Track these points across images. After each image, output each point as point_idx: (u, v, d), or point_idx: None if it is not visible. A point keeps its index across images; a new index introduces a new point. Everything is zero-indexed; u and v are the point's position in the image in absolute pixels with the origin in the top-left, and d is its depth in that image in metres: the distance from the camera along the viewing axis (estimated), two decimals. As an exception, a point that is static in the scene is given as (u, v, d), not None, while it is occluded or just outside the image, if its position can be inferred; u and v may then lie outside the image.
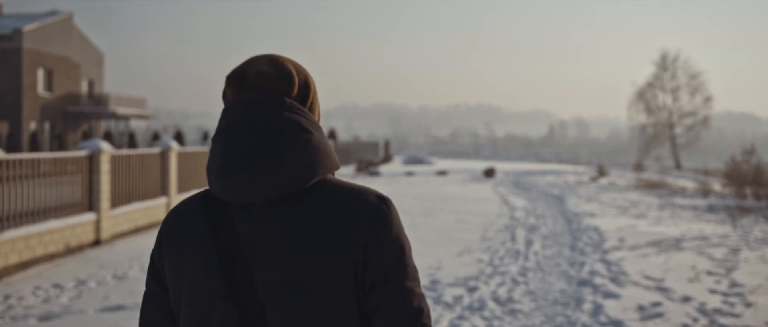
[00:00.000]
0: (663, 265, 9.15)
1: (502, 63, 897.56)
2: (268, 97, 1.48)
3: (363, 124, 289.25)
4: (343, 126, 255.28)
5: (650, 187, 26.06)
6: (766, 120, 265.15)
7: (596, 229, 12.70)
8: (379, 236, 1.44)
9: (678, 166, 59.66)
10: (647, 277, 8.34)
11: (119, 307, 6.93)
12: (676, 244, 11.04)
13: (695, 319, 6.49)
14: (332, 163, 1.50)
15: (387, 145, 56.47)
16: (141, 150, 13.04)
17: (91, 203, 10.78)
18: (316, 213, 1.43)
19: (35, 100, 40.44)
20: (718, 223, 13.96)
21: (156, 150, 13.45)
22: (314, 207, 1.43)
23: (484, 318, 6.49)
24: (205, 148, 16.41)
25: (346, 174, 32.90)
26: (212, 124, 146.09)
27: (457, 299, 7.17)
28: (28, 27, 39.46)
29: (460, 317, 6.49)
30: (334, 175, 1.54)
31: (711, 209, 17.15)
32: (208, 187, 1.56)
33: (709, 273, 8.66)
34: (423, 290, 5.35)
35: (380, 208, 1.47)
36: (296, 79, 1.54)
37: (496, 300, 7.19)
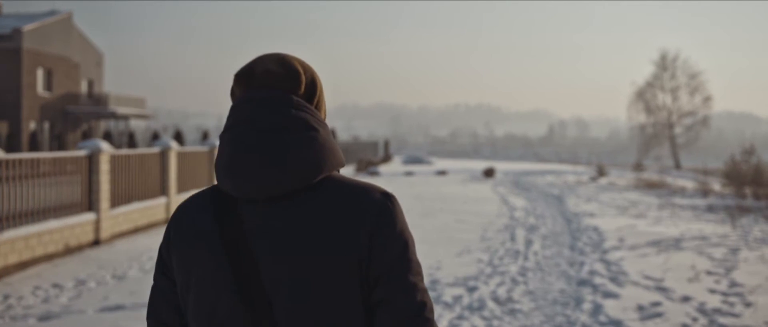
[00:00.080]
0: (662, 265, 9.15)
1: (501, 63, 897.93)
2: (275, 95, 1.51)
3: (362, 124, 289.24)
4: (343, 126, 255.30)
5: (650, 186, 26.06)
6: (765, 120, 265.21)
7: (596, 229, 12.70)
8: (383, 232, 1.47)
9: (677, 165, 59.67)
10: (647, 277, 8.34)
11: (119, 307, 6.93)
12: (676, 243, 11.05)
13: (695, 319, 6.49)
14: (338, 160, 1.54)
15: (386, 144, 56.47)
16: (140, 150, 13.04)
17: (90, 203, 10.78)
18: (322, 209, 1.45)
19: (35, 100, 40.43)
20: (718, 223, 13.96)
21: (155, 150, 13.45)
22: (320, 203, 1.46)
23: (484, 318, 6.49)
24: (205, 148, 16.41)
25: (345, 173, 32.89)
26: (211, 123, 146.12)
27: (457, 299, 7.17)
28: (27, 27, 39.43)
29: (460, 317, 6.49)
30: (339, 172, 1.57)
31: (710, 209, 17.16)
32: (213, 184, 1.59)
33: (709, 273, 8.66)
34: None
35: (385, 205, 1.50)
36: (303, 77, 1.57)
37: (496, 300, 7.19)
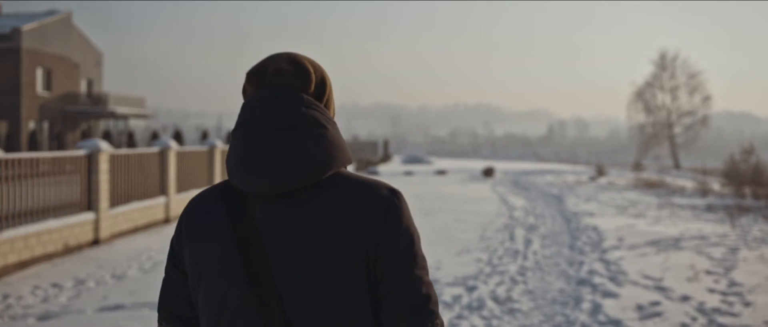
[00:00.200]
0: (662, 265, 9.16)
1: (501, 63, 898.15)
2: (286, 93, 1.56)
3: (362, 124, 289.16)
4: (343, 125, 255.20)
5: (649, 186, 26.08)
6: (765, 119, 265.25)
7: (595, 229, 12.70)
8: (390, 227, 1.51)
9: (677, 165, 59.70)
10: (646, 277, 8.34)
11: (118, 307, 6.93)
12: (675, 243, 11.05)
13: (694, 319, 6.49)
14: (346, 157, 1.58)
15: (386, 144, 56.52)
16: (140, 149, 13.03)
17: (89, 203, 10.78)
18: (330, 204, 1.50)
19: (34, 100, 40.41)
20: (717, 223, 13.97)
21: (155, 149, 13.44)
22: (329, 198, 1.50)
23: (483, 317, 6.49)
24: (204, 148, 16.41)
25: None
26: (211, 123, 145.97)
27: (456, 298, 7.17)
28: (27, 26, 39.41)
29: (459, 316, 6.49)
30: (347, 168, 1.61)
31: (710, 209, 17.16)
32: (224, 180, 1.63)
33: (708, 272, 8.67)
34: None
35: (391, 201, 1.54)
36: (313, 76, 1.61)
37: (495, 299, 7.19)
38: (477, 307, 6.84)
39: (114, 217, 11.42)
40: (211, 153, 16.50)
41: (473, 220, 14.23)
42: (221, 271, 1.51)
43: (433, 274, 8.44)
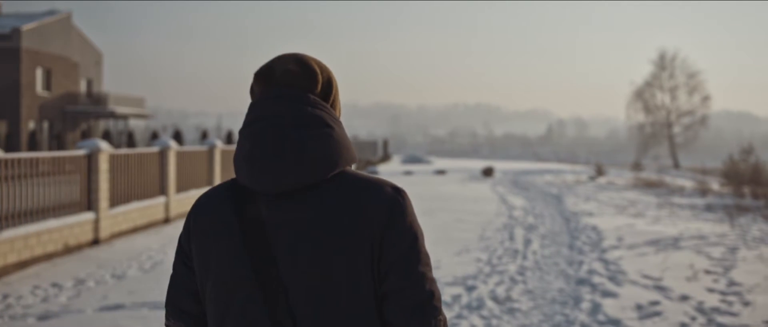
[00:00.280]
0: (661, 264, 9.17)
1: (500, 62, 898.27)
2: (293, 94, 1.59)
3: (361, 124, 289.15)
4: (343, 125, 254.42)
5: (648, 186, 26.09)
6: (764, 119, 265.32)
7: (594, 228, 12.71)
8: (394, 225, 1.55)
9: (676, 165, 59.72)
10: (645, 276, 8.35)
11: (118, 307, 6.94)
12: (675, 243, 11.06)
13: (693, 318, 6.50)
14: (351, 156, 1.61)
15: (386, 144, 56.52)
16: (140, 149, 13.04)
17: (89, 203, 10.78)
18: (336, 202, 1.53)
19: (34, 100, 40.41)
20: (716, 222, 13.98)
21: (155, 149, 13.45)
22: (335, 196, 1.54)
23: (483, 317, 6.50)
24: (204, 148, 16.41)
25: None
26: (211, 123, 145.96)
27: (456, 298, 7.18)
28: (26, 26, 39.41)
29: (459, 316, 6.50)
30: (352, 167, 1.65)
31: (709, 208, 17.17)
32: (232, 178, 1.67)
33: (707, 272, 8.68)
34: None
35: (396, 199, 1.57)
36: (320, 77, 1.65)
37: (495, 299, 7.20)
38: (476, 306, 6.85)
39: (114, 217, 11.43)
40: (210, 153, 16.50)
41: (473, 219, 14.24)
42: (228, 266, 1.55)
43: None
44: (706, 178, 27.69)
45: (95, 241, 10.76)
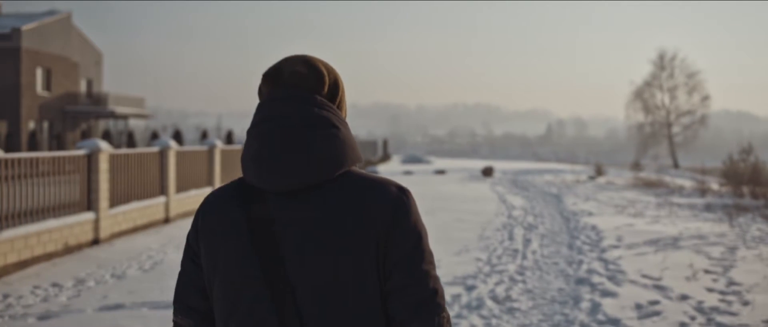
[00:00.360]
0: (660, 264, 9.17)
1: (500, 62, 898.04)
2: (300, 95, 1.62)
3: (361, 124, 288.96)
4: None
5: (648, 185, 26.09)
6: (763, 119, 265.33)
7: (594, 228, 12.71)
8: (399, 223, 1.58)
9: (675, 165, 59.70)
10: (645, 276, 8.36)
11: (118, 306, 6.95)
12: (674, 242, 11.07)
13: (693, 318, 6.51)
14: (356, 155, 1.64)
15: (385, 144, 56.56)
16: (139, 149, 13.04)
17: (89, 202, 10.79)
18: (342, 201, 1.56)
19: (34, 100, 40.41)
20: (716, 222, 13.99)
21: (154, 149, 13.45)
22: (341, 195, 1.57)
23: (482, 317, 6.51)
24: (204, 148, 16.42)
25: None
26: (211, 123, 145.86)
27: (455, 298, 7.19)
28: (26, 26, 39.41)
29: (458, 316, 6.51)
30: (357, 167, 1.68)
31: (708, 208, 17.18)
32: (239, 177, 1.70)
33: (707, 271, 8.68)
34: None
35: (400, 198, 1.60)
36: (327, 78, 1.68)
37: (494, 299, 7.21)
38: (476, 306, 6.86)
39: (114, 217, 11.44)
40: (210, 153, 16.51)
41: (472, 219, 14.25)
42: (236, 265, 1.57)
43: (432, 273, 8.45)
44: (706, 177, 27.70)
45: (95, 241, 10.76)
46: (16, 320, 6.47)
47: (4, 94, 38.82)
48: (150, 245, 10.85)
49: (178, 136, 39.51)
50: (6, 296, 7.43)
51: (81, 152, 10.68)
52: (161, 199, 13.39)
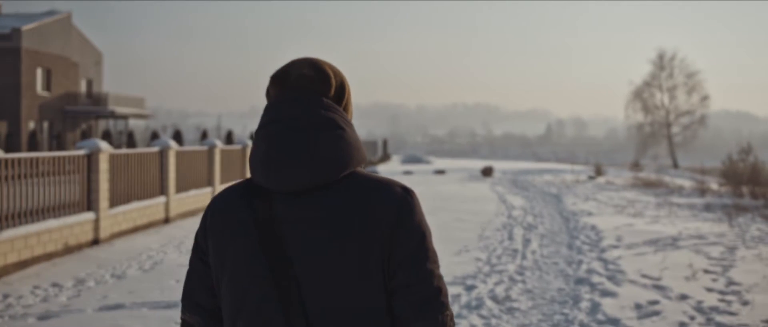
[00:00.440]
0: (660, 264, 9.18)
1: (499, 62, 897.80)
2: (307, 97, 1.66)
3: (361, 124, 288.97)
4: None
5: (647, 185, 26.11)
6: (763, 119, 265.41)
7: (593, 228, 12.72)
8: (403, 223, 1.61)
9: (675, 164, 59.74)
10: (644, 276, 8.37)
11: (118, 306, 6.95)
12: (673, 242, 11.08)
13: (692, 317, 6.52)
14: (362, 156, 1.68)
15: (385, 144, 56.55)
16: (139, 149, 13.04)
17: (89, 202, 10.79)
18: (348, 201, 1.59)
19: (34, 100, 40.42)
20: (715, 222, 14.00)
21: (154, 149, 13.46)
22: (346, 196, 1.60)
23: (482, 317, 6.51)
24: (204, 148, 16.42)
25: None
26: (211, 123, 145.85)
27: (455, 298, 7.20)
28: (26, 26, 39.43)
29: (458, 316, 6.51)
30: (363, 168, 1.71)
31: (708, 208, 17.19)
32: (247, 177, 1.74)
33: (706, 271, 8.69)
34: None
35: (405, 198, 1.64)
36: (333, 81, 1.71)
37: (494, 298, 7.22)
38: (476, 306, 6.87)
39: (114, 217, 11.44)
40: (210, 153, 16.51)
41: (472, 219, 14.25)
42: (244, 263, 1.61)
43: (432, 273, 8.45)
44: (705, 177, 27.72)
45: (95, 241, 10.77)
46: (16, 320, 6.47)
47: (4, 94, 38.83)
48: (150, 245, 10.85)
49: (178, 136, 39.54)
50: (6, 296, 7.44)
51: (81, 152, 10.68)
52: (161, 199, 13.40)
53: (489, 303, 6.99)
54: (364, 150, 1.70)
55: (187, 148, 15.67)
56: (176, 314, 6.58)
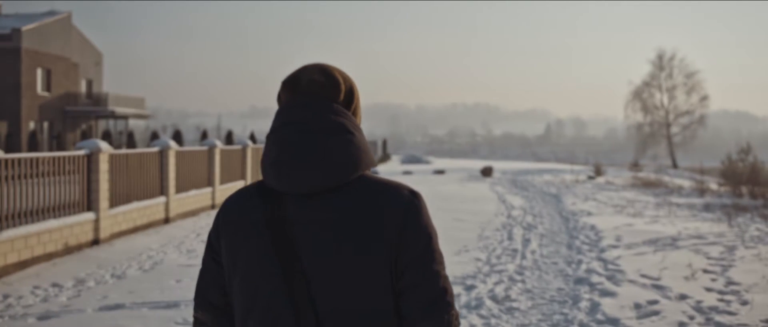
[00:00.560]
0: (659, 264, 9.19)
1: (499, 62, 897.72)
2: (317, 102, 1.71)
3: (361, 123, 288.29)
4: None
5: (647, 185, 26.12)
6: (762, 119, 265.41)
7: (593, 228, 12.73)
8: (411, 225, 1.66)
9: (674, 164, 59.71)
10: (644, 276, 8.38)
11: (118, 306, 6.96)
12: (673, 242, 11.09)
13: (691, 317, 6.52)
14: (370, 160, 1.72)
15: (385, 144, 56.51)
16: (139, 149, 13.04)
17: (89, 203, 10.80)
18: (357, 203, 1.64)
19: (34, 100, 40.41)
20: (715, 222, 14.01)
21: (154, 149, 13.46)
22: (355, 198, 1.65)
23: (482, 316, 6.52)
24: (204, 148, 16.43)
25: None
26: (211, 123, 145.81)
27: (455, 298, 7.20)
28: (26, 27, 39.42)
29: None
30: (371, 171, 1.75)
31: (707, 208, 17.21)
32: (259, 180, 1.77)
33: (706, 271, 8.70)
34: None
35: (412, 201, 1.68)
36: (343, 86, 1.77)
37: (494, 298, 7.23)
38: (475, 306, 6.88)
39: (114, 217, 11.45)
40: (210, 153, 16.52)
41: (472, 219, 14.26)
42: (256, 263, 1.66)
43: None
44: (705, 177, 27.72)
45: (95, 241, 10.78)
46: (16, 320, 6.48)
47: (4, 95, 38.83)
48: (150, 245, 10.86)
49: (178, 136, 39.52)
50: (6, 296, 7.45)
51: (81, 152, 10.69)
52: (161, 200, 13.41)
53: (489, 303, 7.00)
54: (372, 154, 1.74)
55: (187, 148, 15.67)
56: (176, 314, 6.60)
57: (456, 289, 7.56)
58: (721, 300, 7.19)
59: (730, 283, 8.01)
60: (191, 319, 6.35)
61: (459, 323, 1.70)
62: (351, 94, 1.79)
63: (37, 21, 40.89)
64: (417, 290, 1.64)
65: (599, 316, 6.53)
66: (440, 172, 35.20)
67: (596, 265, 9.06)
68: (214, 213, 15.49)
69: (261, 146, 20.99)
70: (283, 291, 1.61)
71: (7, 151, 33.33)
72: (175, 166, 14.15)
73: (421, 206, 1.69)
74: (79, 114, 43.97)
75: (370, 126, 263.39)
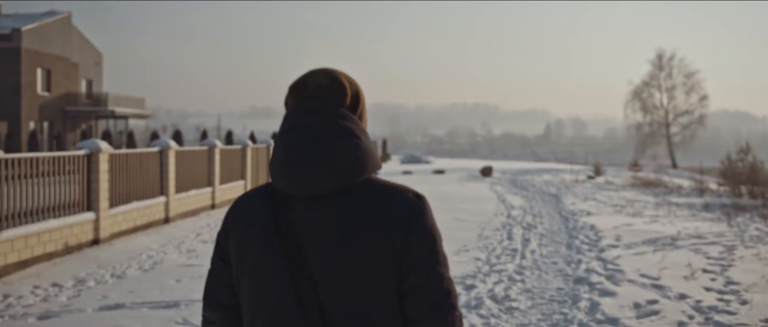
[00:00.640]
0: (659, 263, 9.20)
1: (499, 62, 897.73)
2: (324, 107, 1.74)
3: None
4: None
5: (646, 185, 26.13)
6: (761, 119, 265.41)
7: (593, 228, 12.74)
8: (415, 227, 1.69)
9: (674, 164, 59.72)
10: (643, 275, 8.38)
11: (118, 306, 6.97)
12: (672, 242, 11.10)
13: (691, 317, 6.53)
14: (376, 163, 1.75)
15: (384, 144, 56.48)
16: (139, 149, 13.04)
17: (89, 203, 10.80)
18: (363, 206, 1.67)
19: (34, 100, 40.42)
20: (714, 221, 14.02)
21: (154, 149, 13.46)
22: (362, 201, 1.68)
23: (482, 316, 6.53)
24: (203, 148, 16.43)
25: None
26: (210, 123, 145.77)
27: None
28: (26, 27, 39.42)
29: (458, 315, 6.52)
30: (377, 174, 1.78)
31: (707, 207, 17.21)
32: (267, 182, 1.81)
33: (705, 271, 8.71)
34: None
35: (417, 204, 1.72)
36: (349, 91, 1.81)
37: (493, 298, 7.24)
38: (475, 305, 6.89)
39: (114, 217, 11.46)
40: (210, 153, 16.53)
41: (471, 219, 14.27)
42: (263, 264, 1.70)
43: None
44: (704, 177, 27.72)
45: (95, 241, 10.78)
46: (16, 320, 6.49)
47: (4, 95, 38.84)
48: (150, 245, 10.87)
49: (178, 136, 39.55)
50: (6, 296, 7.45)
51: (81, 152, 10.70)
52: (161, 199, 13.41)
53: (488, 302, 7.01)
54: (378, 157, 1.77)
55: (186, 148, 15.67)
56: (176, 314, 6.61)
57: (456, 289, 7.56)
58: (721, 299, 7.20)
59: (729, 282, 8.02)
60: (191, 319, 6.37)
61: (462, 324, 1.72)
62: (357, 98, 1.82)
63: (37, 21, 40.90)
64: (421, 291, 1.67)
65: (599, 316, 6.53)
66: (440, 172, 35.20)
67: (596, 265, 9.06)
68: (214, 213, 15.50)
69: (261, 146, 21.01)
70: (291, 292, 1.64)
71: (7, 151, 33.33)
72: (175, 166, 14.15)
73: (426, 209, 1.72)
74: (79, 114, 43.98)
75: (370, 126, 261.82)
